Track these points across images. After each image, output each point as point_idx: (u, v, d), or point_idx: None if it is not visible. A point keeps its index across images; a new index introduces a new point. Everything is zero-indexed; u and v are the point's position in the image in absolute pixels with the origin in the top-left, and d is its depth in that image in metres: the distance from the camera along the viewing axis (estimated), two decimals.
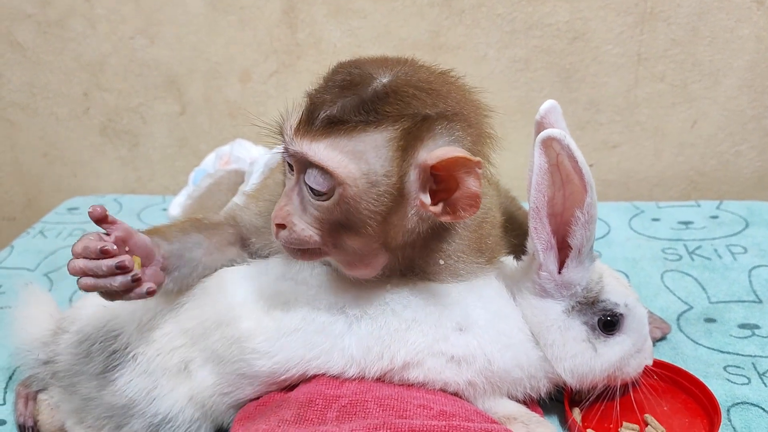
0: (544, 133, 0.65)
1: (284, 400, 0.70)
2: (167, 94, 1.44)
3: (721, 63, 1.30)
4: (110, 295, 0.64)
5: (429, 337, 0.70)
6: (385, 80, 0.62)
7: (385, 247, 0.67)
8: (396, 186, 0.62)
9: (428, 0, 1.30)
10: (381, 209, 0.63)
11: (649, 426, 0.73)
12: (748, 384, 0.80)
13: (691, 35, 1.28)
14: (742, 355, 0.86)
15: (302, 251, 0.67)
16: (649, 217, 1.27)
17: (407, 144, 0.61)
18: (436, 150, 0.62)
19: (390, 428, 0.61)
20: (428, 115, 0.62)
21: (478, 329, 0.71)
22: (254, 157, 1.07)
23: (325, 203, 0.63)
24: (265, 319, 0.71)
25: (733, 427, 0.73)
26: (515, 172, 1.44)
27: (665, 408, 0.76)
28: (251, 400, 0.73)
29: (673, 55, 1.30)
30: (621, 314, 0.72)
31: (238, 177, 1.03)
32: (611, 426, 0.74)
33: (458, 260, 0.73)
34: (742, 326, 0.92)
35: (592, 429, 0.73)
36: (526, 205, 0.75)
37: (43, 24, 1.40)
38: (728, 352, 0.86)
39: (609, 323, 0.72)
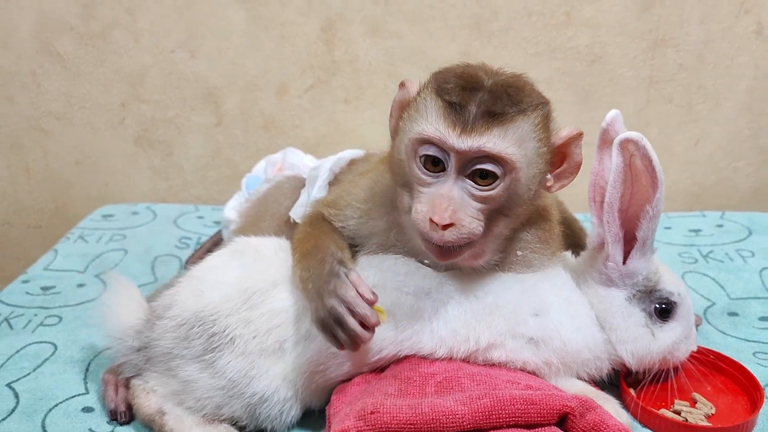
0: (622, 135, 0.74)
1: (381, 378, 0.77)
2: (204, 105, 1.50)
3: (723, 87, 1.43)
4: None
5: (510, 320, 0.78)
6: (502, 78, 0.72)
7: (513, 228, 0.76)
8: (543, 166, 0.73)
9: (459, 23, 1.39)
10: (534, 188, 0.73)
11: (698, 402, 0.82)
12: None
13: (696, 61, 1.41)
14: (767, 342, 0.96)
15: (454, 250, 0.72)
16: (661, 225, 1.37)
17: (545, 127, 0.72)
18: (561, 131, 0.74)
19: (491, 398, 0.68)
20: (546, 103, 0.74)
21: (553, 313, 0.79)
22: (308, 165, 1.14)
23: (493, 192, 0.70)
24: None
25: None
26: None
27: (708, 389, 0.85)
28: (341, 381, 0.79)
29: (681, 79, 1.42)
30: (675, 302, 0.81)
31: (298, 182, 1.09)
32: (663, 404, 0.82)
33: (532, 251, 0.82)
34: (762, 319, 1.02)
35: (648, 406, 0.81)
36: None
37: (86, 36, 1.45)
38: (754, 341, 0.96)
39: (664, 311, 0.81)
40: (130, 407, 0.81)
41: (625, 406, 0.81)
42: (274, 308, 0.79)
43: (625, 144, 0.74)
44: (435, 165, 0.71)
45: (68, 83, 1.50)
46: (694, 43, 1.39)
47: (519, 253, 0.81)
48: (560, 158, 0.76)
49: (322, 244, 0.79)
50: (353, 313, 0.72)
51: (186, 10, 1.42)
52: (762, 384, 0.83)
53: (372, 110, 1.48)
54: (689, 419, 0.78)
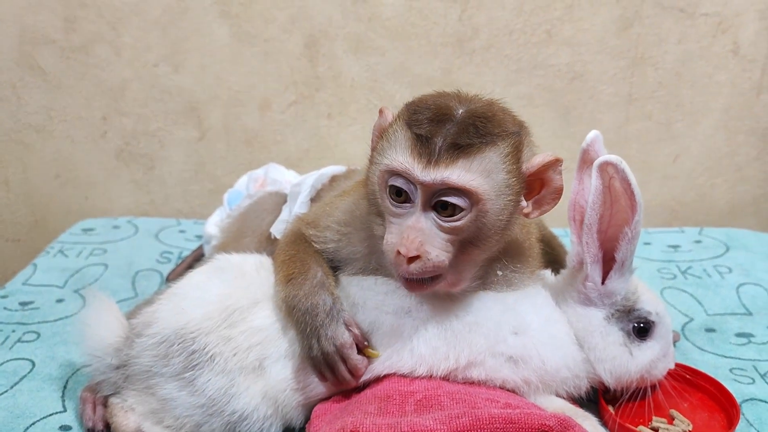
0: (602, 158, 0.74)
1: (361, 396, 0.77)
2: (187, 120, 1.50)
3: (701, 105, 1.45)
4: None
5: (490, 338, 0.78)
6: (473, 107, 0.71)
7: (487, 256, 0.76)
8: (513, 196, 0.72)
9: (442, 41, 1.41)
10: (505, 218, 0.72)
11: (675, 419, 0.83)
12: (753, 383, 0.91)
13: (675, 79, 1.43)
14: (743, 359, 0.97)
15: (423, 282, 0.72)
16: (640, 241, 1.38)
17: (516, 158, 0.71)
18: (534, 158, 0.73)
19: (471, 416, 0.68)
20: (518, 132, 0.73)
21: (532, 332, 0.79)
22: (291, 180, 1.14)
23: (460, 223, 0.70)
24: None
25: (747, 420, 0.83)
26: None
27: (685, 405, 0.86)
28: (321, 400, 0.79)
29: (660, 97, 1.44)
30: (653, 322, 0.82)
31: (280, 198, 1.09)
32: (641, 421, 0.82)
33: (512, 270, 0.82)
34: (739, 335, 1.03)
35: (626, 423, 0.81)
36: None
37: (67, 50, 1.44)
38: (731, 357, 0.97)
39: (642, 330, 0.81)
40: (108, 426, 0.79)
41: (604, 423, 0.82)
42: (254, 326, 0.79)
43: (604, 167, 0.75)
44: (398, 196, 0.72)
45: (49, 96, 1.49)
46: (673, 61, 1.41)
47: (499, 273, 0.81)
48: (539, 185, 0.76)
49: (308, 269, 0.79)
50: (345, 361, 0.75)
51: (169, 25, 1.43)
52: (738, 401, 0.84)
53: (355, 126, 1.48)
54: None
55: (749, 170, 1.51)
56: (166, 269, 1.26)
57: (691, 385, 0.88)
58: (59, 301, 1.13)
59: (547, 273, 0.91)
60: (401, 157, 0.70)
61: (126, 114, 1.50)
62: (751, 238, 1.38)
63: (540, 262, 0.88)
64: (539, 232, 0.94)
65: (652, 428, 0.81)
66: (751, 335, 1.03)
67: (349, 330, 0.76)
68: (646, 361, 0.81)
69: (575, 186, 0.84)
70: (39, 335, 1.01)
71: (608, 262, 0.81)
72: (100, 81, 1.47)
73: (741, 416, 0.82)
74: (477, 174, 0.69)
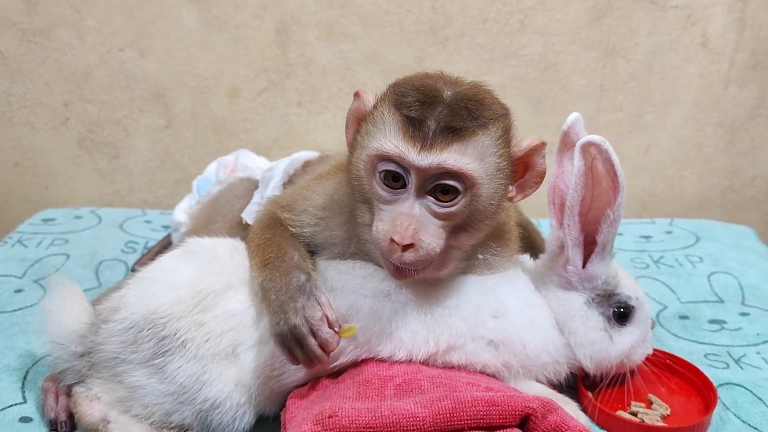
0: (584, 139, 0.74)
1: (339, 381, 0.75)
2: (153, 107, 1.46)
3: (671, 97, 1.46)
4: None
5: (470, 322, 0.77)
6: (461, 90, 0.70)
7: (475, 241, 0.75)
8: (505, 179, 0.71)
9: (415, 28, 1.39)
10: (496, 202, 0.71)
11: (654, 404, 0.83)
12: (727, 368, 0.91)
13: (646, 71, 1.44)
14: (717, 345, 0.97)
15: (412, 271, 0.70)
16: None
17: (505, 141, 0.71)
18: (522, 142, 0.73)
19: (452, 399, 0.67)
20: (506, 115, 0.72)
21: (512, 316, 0.78)
22: (261, 167, 1.12)
23: (455, 208, 0.69)
24: None
25: (723, 403, 0.84)
26: None
27: (663, 390, 0.86)
28: (297, 386, 0.77)
29: (631, 88, 1.45)
30: (633, 307, 0.81)
31: (251, 184, 1.07)
32: (620, 406, 0.82)
33: (493, 254, 0.81)
34: (712, 322, 1.04)
35: (605, 408, 0.81)
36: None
37: (28, 33, 1.39)
38: (705, 343, 0.98)
39: (622, 314, 0.81)
40: (71, 416, 0.76)
41: (583, 408, 0.81)
42: (228, 311, 0.76)
43: (587, 147, 0.74)
44: (395, 181, 0.70)
45: (8, 81, 1.44)
46: (643, 53, 1.42)
47: (480, 256, 0.80)
48: (522, 168, 0.75)
49: (285, 252, 0.77)
50: (315, 335, 0.71)
51: (136, 9, 1.38)
52: (715, 384, 0.84)
53: (326, 114, 1.46)
54: (646, 420, 0.79)
55: (717, 162, 1.53)
56: (132, 259, 1.22)
57: (669, 370, 0.88)
58: (18, 291, 1.09)
59: (526, 258, 0.90)
60: (393, 141, 0.68)
61: (89, 101, 1.45)
62: (719, 229, 1.40)
63: (519, 246, 0.87)
64: (517, 216, 0.93)
65: (630, 413, 0.81)
66: (724, 322, 1.04)
67: (321, 306, 0.72)
68: (626, 346, 0.81)
69: (555, 170, 0.83)
70: None
71: (589, 246, 0.80)
72: (62, 66, 1.42)
73: (718, 400, 0.82)
74: (472, 158, 0.68)
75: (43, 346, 0.80)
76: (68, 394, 0.78)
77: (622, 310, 0.81)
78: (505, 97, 1.40)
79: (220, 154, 1.35)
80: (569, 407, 0.77)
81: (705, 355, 0.94)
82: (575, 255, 0.80)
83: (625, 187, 0.75)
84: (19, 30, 1.39)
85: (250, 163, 1.14)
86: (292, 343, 0.71)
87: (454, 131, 0.67)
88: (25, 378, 0.86)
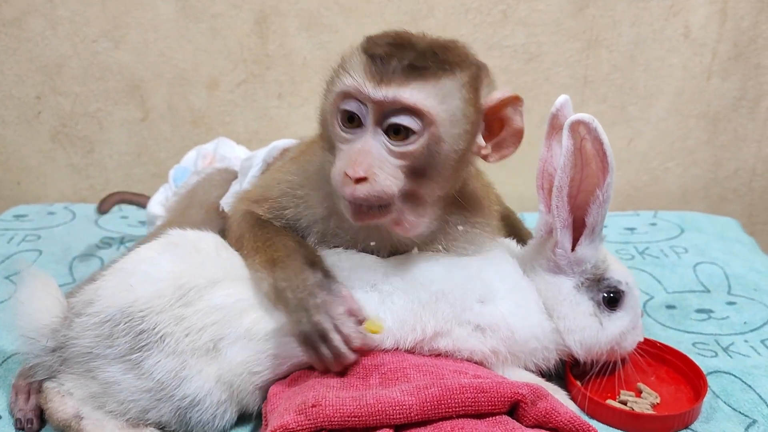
0: (573, 117, 0.72)
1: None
2: (129, 99, 1.42)
3: (654, 88, 1.46)
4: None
5: (456, 307, 0.75)
6: (435, 40, 0.70)
7: (442, 194, 0.73)
8: (469, 128, 0.69)
9: (396, 18, 1.37)
10: (460, 149, 0.69)
11: (643, 392, 0.81)
12: (716, 357, 0.90)
13: (629, 62, 1.43)
14: (705, 334, 0.96)
15: (371, 211, 0.69)
16: None
17: (474, 89, 0.69)
18: (493, 93, 0.71)
19: (440, 387, 0.65)
20: (479, 65, 0.71)
21: (499, 300, 0.77)
22: (240, 156, 1.09)
23: (411, 147, 0.67)
24: None
25: (713, 391, 0.82)
26: None
27: (652, 379, 0.84)
28: (279, 380, 0.74)
29: (614, 79, 1.44)
30: (623, 291, 0.80)
31: (229, 174, 1.04)
32: (609, 394, 0.80)
33: (473, 226, 0.79)
34: (699, 311, 1.03)
35: (594, 396, 0.79)
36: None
37: None
38: (693, 332, 0.97)
39: (612, 300, 0.79)
40: (41, 414, 0.73)
41: (572, 397, 0.80)
42: (212, 305, 0.73)
43: (576, 126, 0.73)
44: (352, 121, 0.69)
45: None
46: (626, 44, 1.41)
47: (460, 227, 0.78)
48: (499, 125, 0.73)
49: (293, 250, 0.75)
50: (339, 331, 0.69)
51: None
52: (705, 372, 0.83)
53: (306, 106, 1.43)
54: (635, 408, 0.78)
55: (700, 154, 1.52)
56: (107, 254, 1.19)
57: (658, 358, 0.87)
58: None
59: (514, 243, 0.88)
60: (353, 76, 0.67)
61: (62, 93, 1.41)
62: (703, 220, 1.39)
63: (500, 225, 0.87)
64: (500, 205, 0.92)
65: (620, 401, 0.79)
66: (711, 311, 1.03)
67: (343, 300, 0.71)
68: (616, 332, 0.79)
69: (544, 153, 0.81)
70: None
71: (578, 229, 0.78)
72: (34, 57, 1.38)
73: (708, 388, 0.81)
74: (431, 96, 0.66)
75: (13, 343, 0.76)
76: (39, 390, 0.74)
77: (612, 294, 0.79)
78: None
79: (219, 137, 1.32)
80: (558, 395, 0.76)
81: (693, 344, 0.93)
82: (564, 237, 0.78)
83: (614, 167, 0.73)
84: None
85: (229, 153, 1.11)
86: (318, 341, 0.69)
87: (416, 69, 0.66)
88: None
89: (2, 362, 0.85)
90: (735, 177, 1.55)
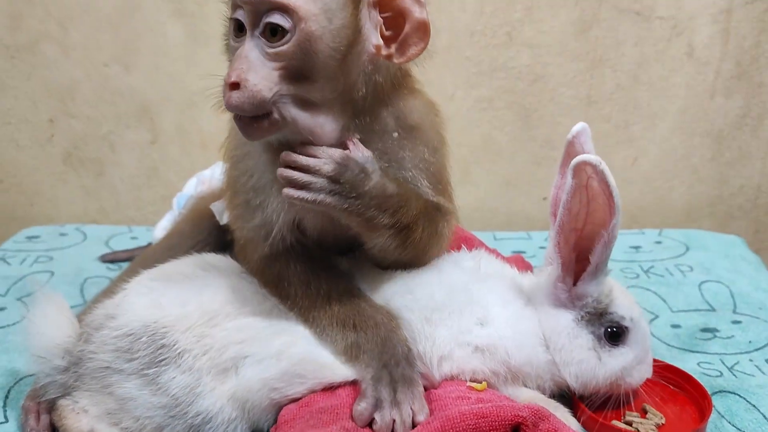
0: (579, 158, 0.70)
1: (333, 395, 0.73)
2: (139, 122, 1.45)
3: (658, 107, 1.47)
4: None
5: (454, 329, 0.76)
6: None
7: (342, 98, 0.70)
8: (351, 21, 0.66)
9: None
10: (340, 46, 0.66)
11: (648, 413, 0.81)
12: (721, 376, 0.90)
13: (632, 81, 1.44)
14: (710, 353, 0.96)
15: (255, 122, 0.67)
16: None
17: None
18: None
19: (441, 419, 0.66)
20: None
21: (497, 325, 0.77)
22: None
23: (285, 47, 0.65)
24: None
25: (718, 411, 0.82)
26: (477, 203, 1.54)
27: (657, 399, 0.84)
28: (294, 400, 0.75)
29: (618, 99, 1.46)
30: (626, 327, 0.78)
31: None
32: (614, 415, 0.80)
33: (410, 133, 0.76)
34: (704, 330, 1.03)
35: (598, 417, 0.79)
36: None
37: (12, 48, 1.38)
38: (698, 351, 0.97)
39: (615, 335, 0.77)
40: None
41: (576, 417, 0.79)
42: (240, 325, 0.75)
43: (582, 166, 0.71)
44: (242, 31, 0.67)
45: None
46: (630, 64, 1.43)
47: (395, 134, 0.75)
48: (402, 22, 0.68)
49: (365, 312, 0.75)
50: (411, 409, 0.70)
51: (121, 23, 1.38)
52: (709, 392, 0.83)
53: None
54: (640, 429, 0.77)
55: (705, 172, 1.53)
56: (117, 276, 1.20)
57: (663, 378, 0.87)
58: (0, 309, 1.07)
59: (518, 272, 0.88)
60: None
61: (74, 116, 1.44)
62: (709, 238, 1.39)
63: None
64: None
65: (625, 422, 0.79)
66: (716, 330, 1.03)
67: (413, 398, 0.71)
68: (616, 367, 0.77)
69: (557, 180, 0.81)
70: None
71: (582, 262, 0.77)
72: (47, 82, 1.42)
73: (712, 408, 0.81)
74: None
75: (25, 365, 0.78)
76: (50, 410, 0.75)
77: (614, 330, 0.77)
78: (493, 110, 1.44)
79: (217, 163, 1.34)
80: (559, 413, 0.75)
81: (698, 364, 0.93)
82: (565, 273, 0.77)
83: (620, 208, 0.71)
84: (2, 46, 1.39)
85: None
86: (388, 408, 0.70)
87: None
88: (6, 397, 0.84)
89: (16, 383, 0.86)
90: (740, 194, 1.55)
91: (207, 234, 0.92)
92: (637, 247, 1.36)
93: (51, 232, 1.41)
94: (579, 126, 0.79)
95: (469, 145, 1.46)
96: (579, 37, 1.40)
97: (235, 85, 0.65)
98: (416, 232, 0.75)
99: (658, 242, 1.39)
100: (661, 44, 1.42)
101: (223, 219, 0.87)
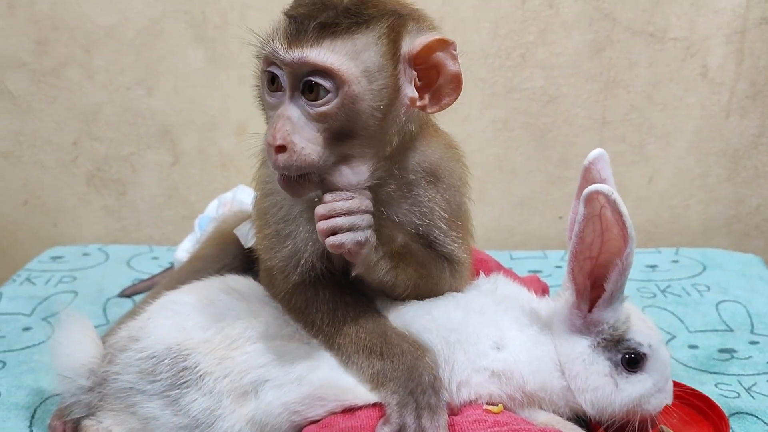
0: (592, 188, 0.70)
1: (351, 418, 0.74)
2: (160, 144, 1.48)
3: (672, 127, 1.48)
4: None
5: (471, 353, 0.76)
6: None
7: (377, 153, 0.71)
8: (390, 80, 0.67)
9: None
10: (381, 105, 0.67)
11: None
12: (738, 397, 0.90)
13: (647, 102, 1.45)
14: (727, 374, 0.96)
15: (297, 182, 0.68)
16: None
17: (393, 40, 0.67)
18: (417, 39, 0.68)
19: None
20: (402, 14, 0.69)
21: (513, 349, 0.78)
22: None
23: (326, 108, 0.65)
24: None
25: None
26: (493, 223, 1.55)
27: (674, 420, 0.84)
28: (314, 421, 0.75)
29: (632, 119, 1.47)
30: (645, 354, 0.77)
31: (244, 215, 1.07)
32: None
33: (433, 216, 0.77)
34: (722, 351, 1.03)
35: None
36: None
37: (38, 73, 1.42)
38: (715, 372, 0.97)
39: (632, 361, 0.76)
40: None
41: None
42: (261, 348, 0.76)
43: (594, 196, 0.71)
44: (274, 83, 0.68)
45: (18, 121, 1.46)
46: (644, 84, 1.44)
47: (412, 177, 0.76)
48: (435, 74, 0.70)
49: (391, 339, 0.76)
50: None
51: (143, 48, 1.41)
52: (727, 414, 0.83)
53: None
54: None
55: (721, 191, 1.53)
56: (139, 296, 1.22)
57: (680, 399, 0.87)
58: (26, 329, 1.09)
59: (536, 297, 0.89)
60: (272, 40, 0.66)
61: (98, 138, 1.48)
62: (725, 257, 1.39)
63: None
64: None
65: None
66: (734, 350, 1.03)
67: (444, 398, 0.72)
68: (634, 394, 0.76)
69: (575, 205, 0.81)
70: (5, 364, 0.97)
71: (598, 288, 0.77)
72: (71, 105, 1.45)
73: (730, 430, 0.81)
74: (341, 55, 0.65)
75: (51, 384, 0.80)
76: (76, 429, 0.77)
77: (632, 356, 0.76)
78: (508, 131, 1.45)
79: (226, 190, 1.37)
80: None
81: (716, 385, 0.94)
82: (580, 300, 0.77)
83: (634, 237, 0.71)
84: (29, 70, 1.42)
85: (246, 198, 1.15)
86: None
87: (326, 27, 0.65)
88: (33, 416, 0.86)
89: (42, 402, 0.88)
90: (757, 213, 1.55)
91: (232, 258, 0.93)
92: (653, 266, 1.36)
93: (74, 252, 1.43)
94: (596, 152, 0.79)
95: (485, 166, 1.47)
96: (593, 58, 1.42)
97: (281, 148, 0.65)
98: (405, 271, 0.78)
99: (675, 261, 1.39)
100: (675, 65, 1.43)
101: (248, 242, 0.89)
